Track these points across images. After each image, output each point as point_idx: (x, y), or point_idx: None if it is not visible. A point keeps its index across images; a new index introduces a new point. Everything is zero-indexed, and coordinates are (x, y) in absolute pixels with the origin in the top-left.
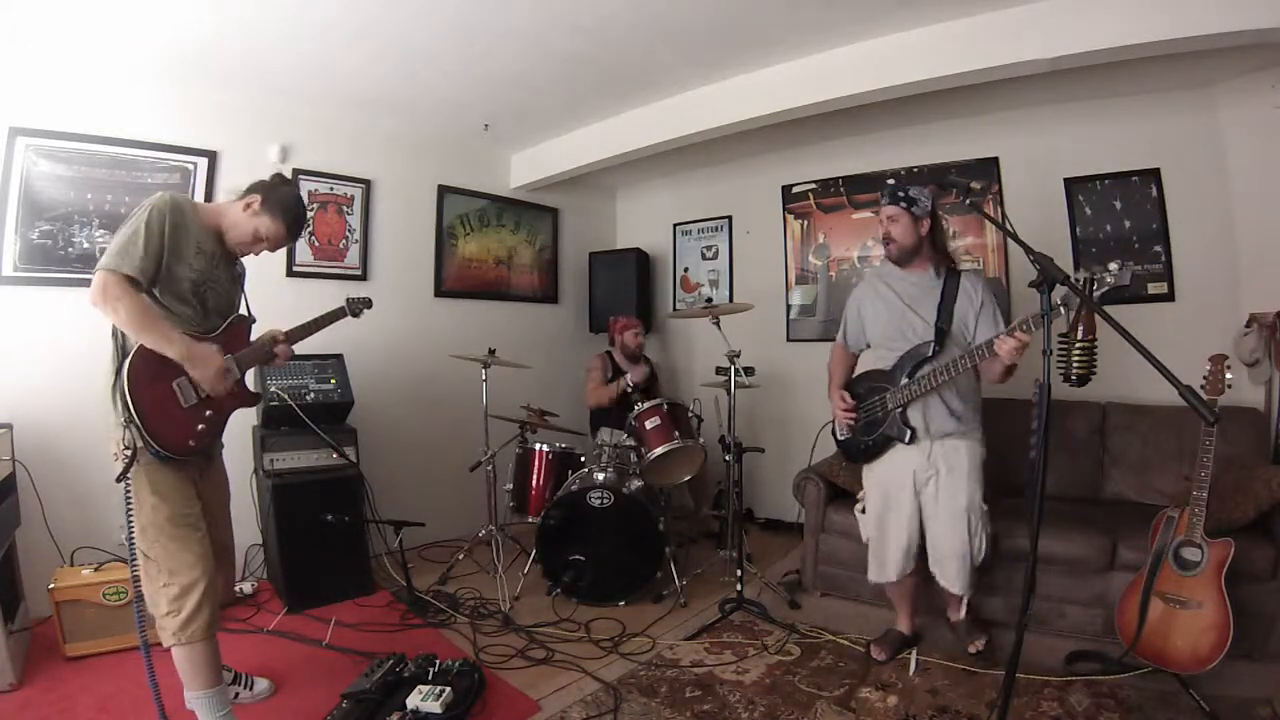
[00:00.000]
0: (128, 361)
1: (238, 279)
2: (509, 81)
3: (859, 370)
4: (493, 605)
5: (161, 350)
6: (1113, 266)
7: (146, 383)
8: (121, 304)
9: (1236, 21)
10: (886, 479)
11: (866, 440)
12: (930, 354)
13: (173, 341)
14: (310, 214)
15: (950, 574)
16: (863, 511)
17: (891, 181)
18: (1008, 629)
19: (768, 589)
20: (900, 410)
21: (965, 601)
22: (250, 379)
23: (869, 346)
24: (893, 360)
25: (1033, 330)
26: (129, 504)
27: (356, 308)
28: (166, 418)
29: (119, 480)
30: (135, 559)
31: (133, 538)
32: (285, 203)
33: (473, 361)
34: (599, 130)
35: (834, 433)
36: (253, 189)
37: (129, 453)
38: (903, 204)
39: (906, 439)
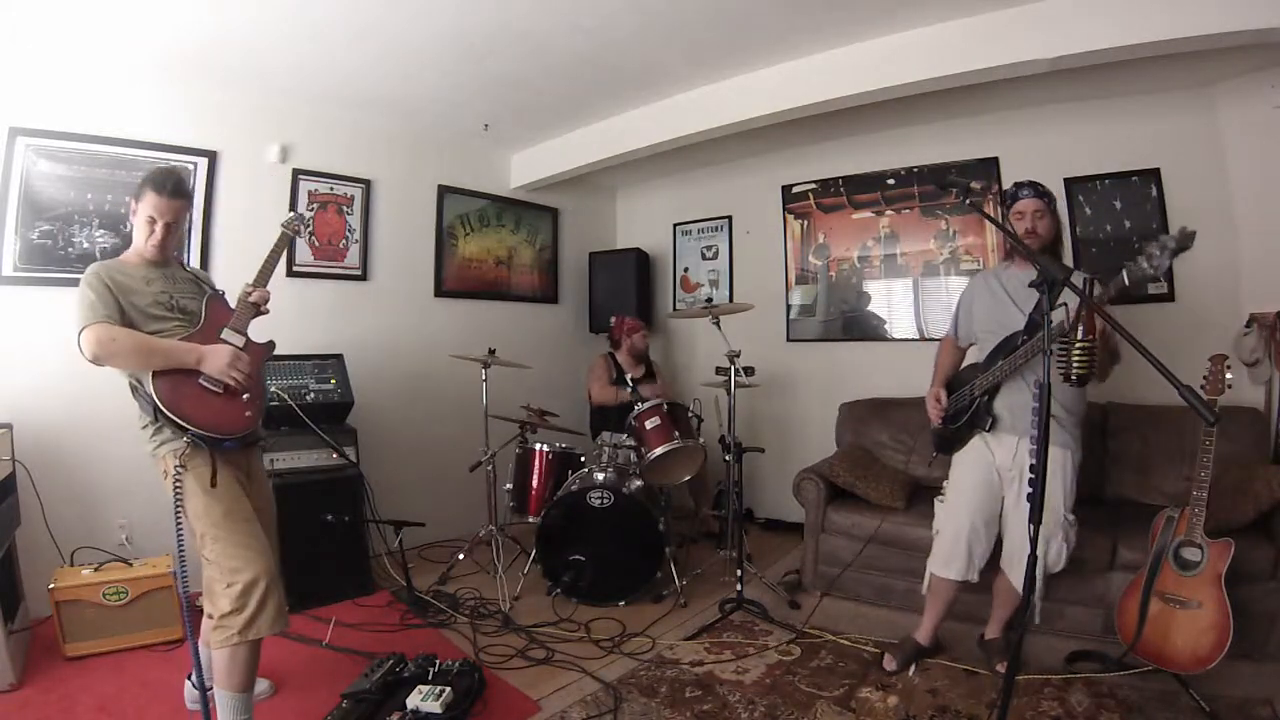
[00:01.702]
0: (152, 390)
1: (200, 280)
2: (509, 81)
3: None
4: (493, 605)
5: (172, 365)
6: (1154, 250)
7: (178, 394)
8: (118, 341)
9: (1236, 21)
10: (971, 473)
11: (951, 428)
12: (1019, 344)
13: (178, 352)
14: (310, 214)
15: (1019, 576)
16: (942, 501)
17: (1023, 180)
18: (1009, 629)
19: (768, 589)
20: (986, 398)
21: (1007, 621)
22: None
23: (976, 342)
24: (988, 351)
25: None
26: (178, 514)
27: (295, 226)
28: (214, 411)
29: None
30: (183, 556)
31: (181, 540)
32: (145, 176)
33: (473, 361)
34: (599, 130)
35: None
36: None
37: (178, 468)
38: (1046, 199)
39: (987, 426)
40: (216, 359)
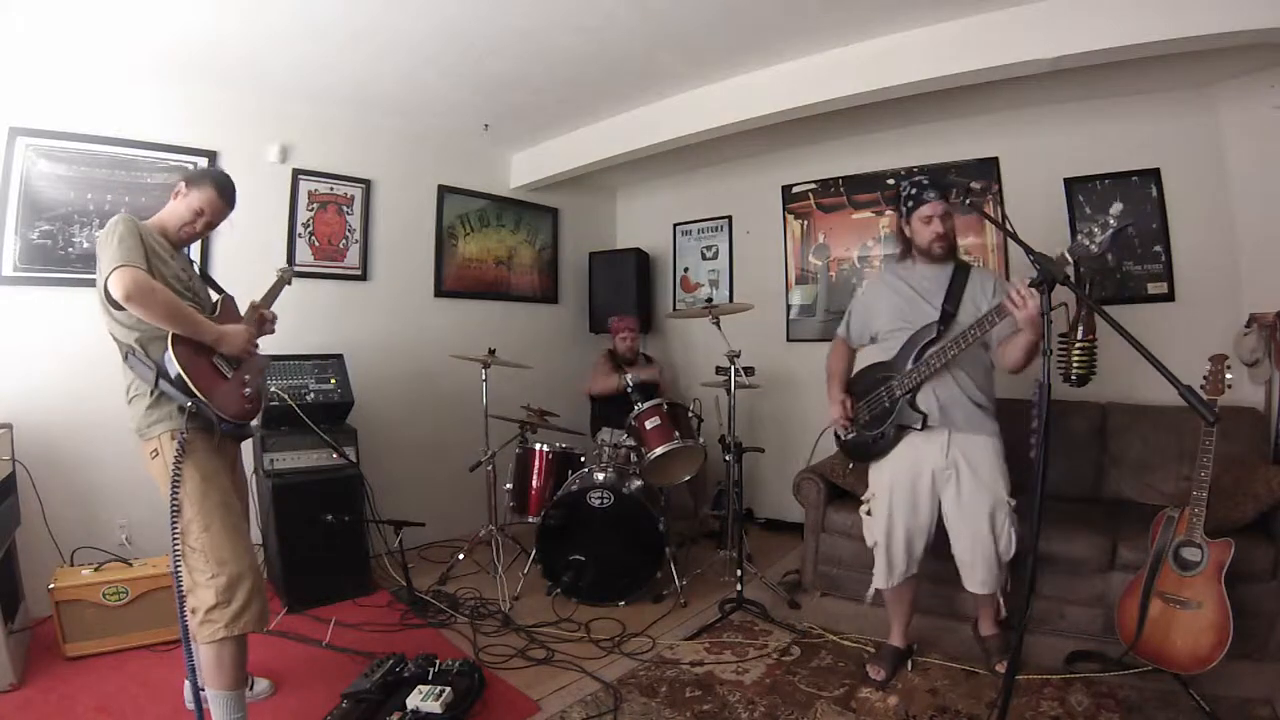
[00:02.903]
0: (170, 352)
1: (203, 273)
2: (509, 81)
3: (857, 367)
4: (493, 605)
5: (193, 334)
6: (1095, 229)
7: (195, 363)
8: (156, 291)
9: (1236, 21)
10: (898, 478)
11: (873, 434)
12: (935, 335)
13: (203, 324)
14: (310, 214)
15: (978, 579)
16: (869, 514)
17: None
18: (1009, 628)
19: (768, 589)
20: (910, 396)
21: (997, 617)
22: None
23: (873, 341)
24: (896, 348)
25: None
26: (175, 496)
27: (289, 275)
28: (221, 391)
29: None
30: (177, 548)
31: (176, 528)
32: (210, 173)
33: (473, 361)
34: (599, 130)
35: (835, 434)
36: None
37: (179, 449)
38: (946, 197)
39: (919, 425)
40: (235, 339)
